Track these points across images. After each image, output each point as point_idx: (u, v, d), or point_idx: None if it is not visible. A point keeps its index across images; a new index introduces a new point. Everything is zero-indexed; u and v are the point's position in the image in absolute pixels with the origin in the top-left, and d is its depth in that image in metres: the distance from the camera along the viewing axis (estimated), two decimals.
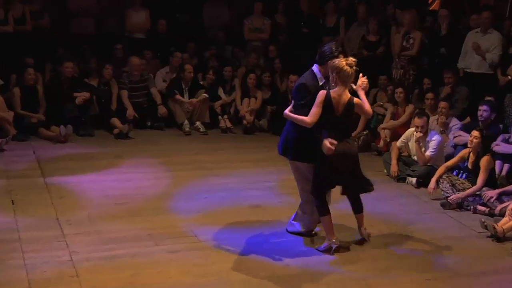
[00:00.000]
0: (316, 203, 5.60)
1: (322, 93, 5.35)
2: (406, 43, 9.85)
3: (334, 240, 5.56)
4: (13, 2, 10.09)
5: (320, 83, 5.54)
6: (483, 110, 7.94)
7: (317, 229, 5.92)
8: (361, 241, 5.86)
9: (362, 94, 5.54)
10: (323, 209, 5.57)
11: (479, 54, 9.08)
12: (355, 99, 5.42)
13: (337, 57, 5.42)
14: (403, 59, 9.88)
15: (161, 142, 9.36)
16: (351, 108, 5.40)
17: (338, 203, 6.84)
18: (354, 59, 5.37)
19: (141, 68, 10.19)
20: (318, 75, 5.55)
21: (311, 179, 5.57)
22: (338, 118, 5.39)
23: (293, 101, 5.59)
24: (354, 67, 5.34)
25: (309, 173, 5.60)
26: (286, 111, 5.48)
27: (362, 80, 5.59)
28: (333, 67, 5.34)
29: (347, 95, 5.38)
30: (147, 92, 10.23)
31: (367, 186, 5.80)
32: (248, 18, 11.32)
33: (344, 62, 5.31)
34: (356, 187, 5.75)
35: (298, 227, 5.88)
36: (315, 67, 5.60)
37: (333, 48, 5.53)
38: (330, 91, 5.37)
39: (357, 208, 5.84)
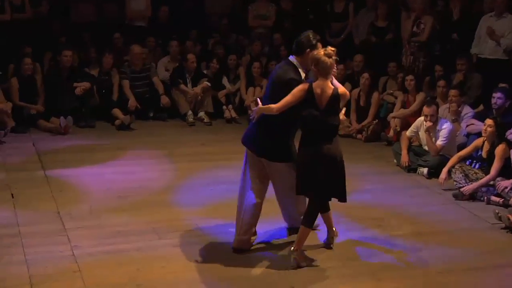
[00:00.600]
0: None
1: (304, 85, 5.14)
2: (417, 29, 9.81)
3: (334, 230, 5.62)
4: None
5: (303, 76, 5.30)
6: (497, 98, 7.92)
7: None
8: (371, 236, 5.89)
9: (333, 79, 5.25)
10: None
11: (494, 39, 9.04)
12: (339, 90, 5.16)
13: (315, 45, 5.24)
14: (413, 46, 9.85)
15: (164, 133, 9.38)
16: (336, 101, 5.15)
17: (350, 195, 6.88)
18: (332, 49, 5.11)
19: (142, 57, 10.19)
20: (298, 67, 5.31)
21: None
22: (321, 113, 5.11)
23: (267, 95, 5.38)
24: (333, 57, 5.08)
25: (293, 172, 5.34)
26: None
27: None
28: (312, 58, 5.15)
29: (330, 87, 5.11)
30: (149, 82, 10.23)
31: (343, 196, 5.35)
32: (252, 4, 11.30)
33: (322, 52, 5.10)
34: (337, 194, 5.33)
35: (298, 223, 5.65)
36: (292, 58, 5.35)
37: (311, 36, 5.31)
38: (313, 84, 5.13)
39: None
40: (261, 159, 5.42)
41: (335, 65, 5.19)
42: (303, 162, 5.19)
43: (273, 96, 5.26)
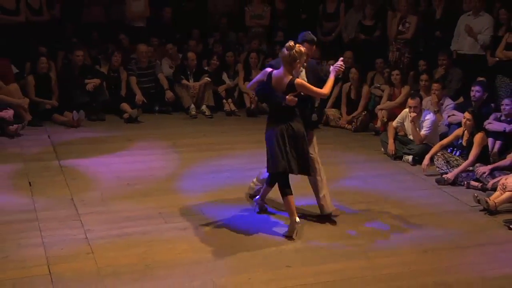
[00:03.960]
0: (278, 183, 5.46)
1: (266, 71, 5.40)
2: (402, 27, 9.78)
3: (297, 220, 5.32)
4: None
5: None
6: (475, 91, 7.91)
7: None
8: (361, 219, 5.87)
9: (332, 75, 5.45)
10: (285, 190, 5.40)
11: (472, 36, 9.03)
12: (297, 80, 5.26)
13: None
14: (399, 43, 9.82)
15: (169, 126, 9.35)
16: (292, 89, 5.25)
17: (340, 181, 6.87)
18: (292, 43, 5.23)
19: (148, 55, 10.14)
20: None
21: None
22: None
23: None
24: (291, 50, 5.19)
25: None
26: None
27: (339, 62, 5.51)
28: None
29: (288, 76, 5.26)
30: (155, 78, 10.19)
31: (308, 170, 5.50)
32: (248, 5, 11.25)
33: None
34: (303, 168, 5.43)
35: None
36: None
37: (306, 35, 5.57)
38: (274, 71, 5.35)
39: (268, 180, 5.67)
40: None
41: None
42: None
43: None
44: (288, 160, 5.28)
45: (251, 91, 5.73)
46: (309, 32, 5.65)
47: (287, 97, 5.25)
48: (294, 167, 5.33)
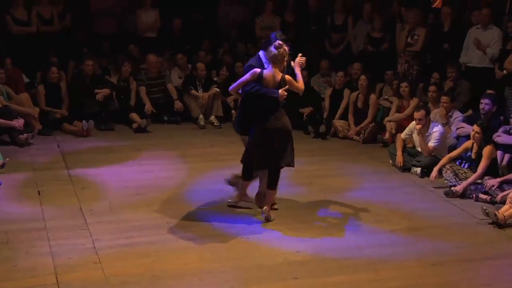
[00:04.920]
0: (244, 167, 6.08)
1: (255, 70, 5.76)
2: (411, 40, 9.78)
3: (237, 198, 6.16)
4: (42, 3, 10.13)
5: (266, 67, 5.83)
6: (484, 104, 7.87)
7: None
8: (368, 230, 5.85)
9: (297, 69, 5.88)
10: (246, 175, 6.08)
11: (480, 49, 9.02)
12: (287, 77, 5.73)
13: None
14: (408, 55, 9.82)
15: (178, 136, 9.36)
16: (283, 85, 5.72)
17: (349, 192, 6.85)
18: (280, 42, 5.66)
19: (158, 65, 10.19)
20: (264, 59, 5.89)
21: None
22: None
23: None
24: (280, 49, 5.62)
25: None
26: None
27: (300, 58, 5.92)
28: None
29: (278, 74, 5.71)
30: (164, 88, 10.23)
31: (291, 162, 5.96)
32: (259, 16, 11.30)
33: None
34: (280, 161, 5.88)
35: None
36: (261, 53, 5.96)
37: (277, 35, 5.86)
38: (264, 70, 5.73)
39: (271, 183, 5.97)
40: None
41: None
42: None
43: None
44: (257, 157, 5.82)
45: (235, 93, 6.12)
46: (280, 31, 6.07)
47: (279, 91, 5.66)
48: (259, 164, 5.91)
